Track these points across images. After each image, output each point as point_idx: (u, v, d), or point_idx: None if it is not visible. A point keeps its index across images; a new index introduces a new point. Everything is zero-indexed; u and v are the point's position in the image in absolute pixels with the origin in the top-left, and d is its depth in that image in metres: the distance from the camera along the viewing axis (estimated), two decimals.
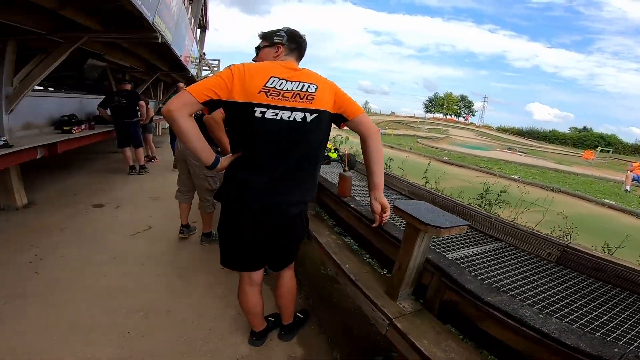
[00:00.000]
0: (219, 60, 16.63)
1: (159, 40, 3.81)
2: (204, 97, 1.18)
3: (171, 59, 6.72)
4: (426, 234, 1.26)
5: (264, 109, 1.20)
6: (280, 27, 1.41)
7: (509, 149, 27.73)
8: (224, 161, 1.32)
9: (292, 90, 1.23)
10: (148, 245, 2.80)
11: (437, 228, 1.19)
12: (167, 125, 7.61)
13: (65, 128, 4.05)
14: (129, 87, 5.09)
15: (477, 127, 57.76)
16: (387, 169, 4.64)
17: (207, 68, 15.76)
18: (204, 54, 15.18)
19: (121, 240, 2.86)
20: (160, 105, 8.81)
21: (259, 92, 1.19)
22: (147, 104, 5.46)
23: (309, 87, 1.26)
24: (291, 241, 1.52)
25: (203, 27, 15.48)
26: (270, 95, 1.21)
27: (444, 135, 32.86)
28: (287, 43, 1.35)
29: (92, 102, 5.48)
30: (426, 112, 73.19)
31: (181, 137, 1.20)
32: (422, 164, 7.04)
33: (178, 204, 2.95)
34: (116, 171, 5.29)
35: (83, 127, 4.38)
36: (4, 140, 2.75)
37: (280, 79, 1.23)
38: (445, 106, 71.07)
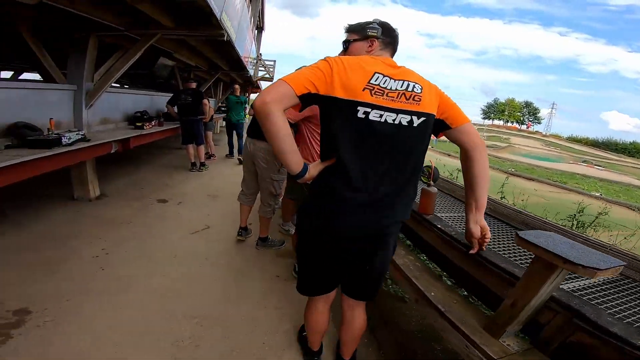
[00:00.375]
0: (274, 61, 16.90)
1: (225, 38, 3.82)
2: (302, 90, 1.01)
3: (232, 58, 6.89)
4: (563, 271, 1.09)
5: (368, 109, 1.03)
6: (371, 20, 1.23)
7: (584, 161, 24.76)
8: (313, 169, 1.12)
9: (396, 89, 1.06)
10: (206, 246, 2.78)
11: (592, 270, 0.99)
12: (224, 123, 7.74)
13: (137, 124, 4.24)
14: (194, 85, 5.24)
15: (544, 136, 52.97)
16: (450, 178, 4.20)
17: (262, 69, 16.16)
18: (260, 54, 15.58)
19: (181, 239, 2.86)
20: (220, 104, 9.04)
21: (363, 89, 1.02)
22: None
23: (414, 86, 1.08)
24: (383, 266, 1.31)
25: (260, 27, 15.92)
26: (374, 93, 1.03)
27: (506, 144, 30.49)
28: (382, 36, 1.19)
29: (161, 100, 5.77)
30: (484, 118, 69.07)
31: (271, 136, 1.02)
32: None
33: (239, 205, 2.88)
34: (178, 167, 5.51)
35: (153, 123, 4.57)
36: (82, 134, 2.86)
37: (384, 76, 1.06)
38: (506, 113, 66.04)
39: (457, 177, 5.67)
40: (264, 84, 19.71)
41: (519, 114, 66.99)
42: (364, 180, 1.08)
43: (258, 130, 2.53)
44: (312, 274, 1.32)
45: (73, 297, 1.91)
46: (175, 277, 2.23)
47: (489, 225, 2.20)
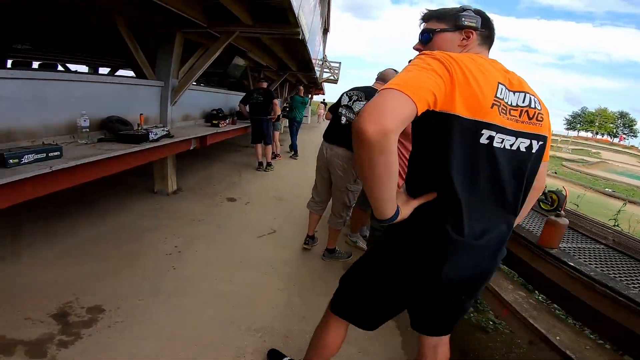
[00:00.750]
0: (339, 63, 16.77)
1: (300, 37, 3.71)
2: (424, 106, 0.72)
3: (302, 58, 6.88)
4: None
5: (493, 133, 0.79)
6: (459, 6, 0.96)
7: None
8: (405, 210, 0.86)
9: (517, 105, 0.83)
10: (272, 252, 2.70)
11: None
12: (287, 123, 7.68)
13: (214, 122, 4.37)
14: (265, 85, 5.29)
15: None
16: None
17: (327, 70, 16.13)
18: (325, 55, 15.58)
19: (248, 242, 2.82)
20: (285, 105, 8.96)
21: (491, 106, 0.77)
22: None
23: (535, 102, 0.85)
24: (472, 302, 1.10)
25: (325, 29, 15.89)
26: (501, 112, 0.79)
27: (597, 160, 26.42)
28: (481, 28, 0.92)
29: (233, 99, 5.97)
30: (567, 128, 61.66)
31: (379, 178, 0.75)
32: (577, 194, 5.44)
33: (308, 213, 2.73)
34: (246, 165, 5.64)
35: (228, 121, 4.68)
36: (167, 130, 2.95)
37: (505, 88, 0.81)
38: (597, 124, 58.01)
39: None
40: (327, 86, 19.74)
41: (611, 125, 58.34)
42: (478, 221, 0.84)
43: (336, 135, 2.35)
44: (364, 307, 1.09)
45: (145, 296, 1.91)
46: (241, 284, 2.17)
47: (613, 262, 1.78)
